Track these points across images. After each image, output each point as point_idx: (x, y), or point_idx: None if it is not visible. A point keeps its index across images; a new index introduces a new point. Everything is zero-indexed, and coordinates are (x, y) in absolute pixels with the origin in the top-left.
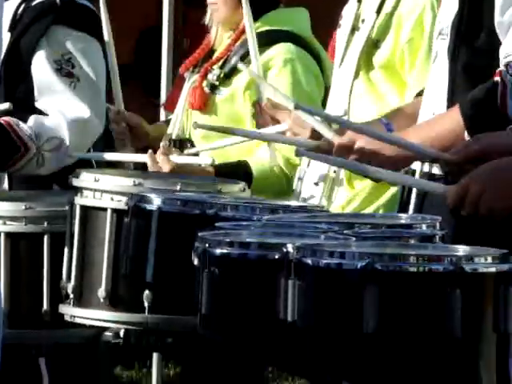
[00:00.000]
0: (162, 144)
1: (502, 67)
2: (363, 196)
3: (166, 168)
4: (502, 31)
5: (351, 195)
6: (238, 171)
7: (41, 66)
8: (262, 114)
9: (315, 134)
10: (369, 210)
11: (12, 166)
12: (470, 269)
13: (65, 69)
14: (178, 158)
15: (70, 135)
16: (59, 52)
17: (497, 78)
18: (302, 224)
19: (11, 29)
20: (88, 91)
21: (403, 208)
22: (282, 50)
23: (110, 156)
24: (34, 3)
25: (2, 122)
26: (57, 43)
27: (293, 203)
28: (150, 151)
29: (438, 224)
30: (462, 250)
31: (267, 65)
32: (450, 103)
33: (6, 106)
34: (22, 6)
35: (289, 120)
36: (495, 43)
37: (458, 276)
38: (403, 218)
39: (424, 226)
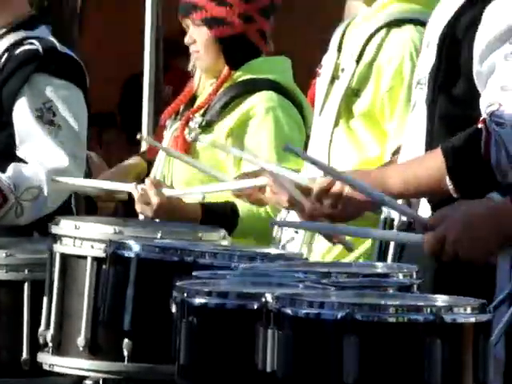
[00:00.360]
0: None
1: (485, 115)
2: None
3: (155, 200)
4: (481, 81)
5: (331, 244)
6: (225, 212)
7: (22, 114)
8: None
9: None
10: (349, 259)
11: None
12: (449, 319)
13: (46, 117)
14: (169, 191)
15: (48, 184)
16: (40, 100)
17: (480, 126)
18: (279, 273)
19: None
20: (69, 139)
21: (382, 256)
22: (263, 98)
23: (95, 183)
24: (17, 52)
25: None
26: (38, 91)
27: (272, 251)
28: (134, 183)
29: (414, 273)
30: (440, 300)
31: (249, 113)
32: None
33: None
34: (5, 55)
35: (268, 177)
36: (473, 92)
37: (437, 326)
38: (379, 267)
39: (401, 275)
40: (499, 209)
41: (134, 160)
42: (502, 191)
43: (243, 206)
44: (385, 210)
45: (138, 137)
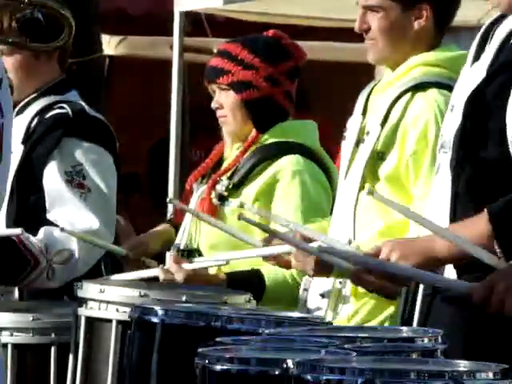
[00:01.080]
0: (170, 253)
1: None
2: (368, 308)
3: (180, 276)
4: None
5: (357, 307)
6: (250, 279)
7: (52, 178)
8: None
9: (320, 263)
10: (374, 322)
11: (23, 280)
12: None
13: (76, 180)
14: (190, 265)
15: (79, 247)
16: (70, 163)
17: None
18: (303, 338)
19: (24, 141)
20: (98, 202)
21: (407, 320)
22: (290, 162)
23: (122, 276)
24: (47, 116)
25: (13, 236)
26: (68, 155)
27: (295, 315)
28: (161, 266)
29: (439, 337)
30: (462, 365)
31: (275, 177)
32: (453, 216)
33: (17, 231)
34: (36, 119)
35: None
36: (504, 157)
37: None
38: (405, 332)
39: (426, 340)
40: None
41: (162, 227)
42: None
43: (269, 274)
44: None
45: (168, 200)
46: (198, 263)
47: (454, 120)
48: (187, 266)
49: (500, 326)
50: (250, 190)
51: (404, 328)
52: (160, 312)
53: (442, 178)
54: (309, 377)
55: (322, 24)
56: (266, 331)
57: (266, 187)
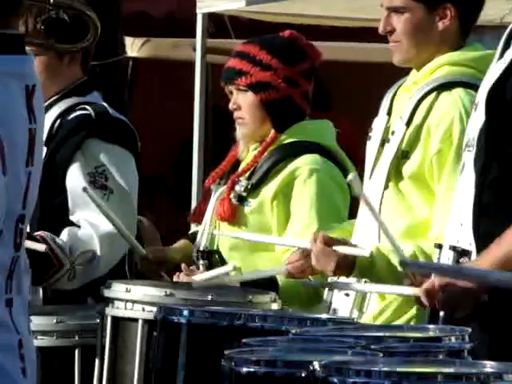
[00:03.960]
0: (182, 266)
1: None
2: (395, 306)
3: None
4: None
5: (383, 306)
6: (263, 281)
7: (75, 179)
8: None
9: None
10: (401, 321)
11: (45, 281)
12: None
13: (98, 181)
14: (200, 276)
15: (101, 248)
16: (93, 164)
17: None
18: (329, 338)
19: (47, 143)
20: (121, 203)
21: (433, 317)
22: (308, 160)
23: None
24: (69, 117)
25: (38, 237)
26: (91, 156)
27: (322, 316)
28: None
29: (467, 336)
30: (489, 366)
31: (293, 174)
32: (477, 215)
33: (42, 248)
34: (58, 120)
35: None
36: None
37: None
38: (431, 330)
39: (453, 338)
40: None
41: (182, 242)
42: None
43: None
44: None
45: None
46: (208, 273)
47: (477, 118)
48: (197, 277)
49: None
50: (269, 189)
51: (431, 326)
52: (185, 312)
53: (466, 176)
54: (335, 379)
55: (344, 24)
56: (293, 331)
57: (283, 185)
